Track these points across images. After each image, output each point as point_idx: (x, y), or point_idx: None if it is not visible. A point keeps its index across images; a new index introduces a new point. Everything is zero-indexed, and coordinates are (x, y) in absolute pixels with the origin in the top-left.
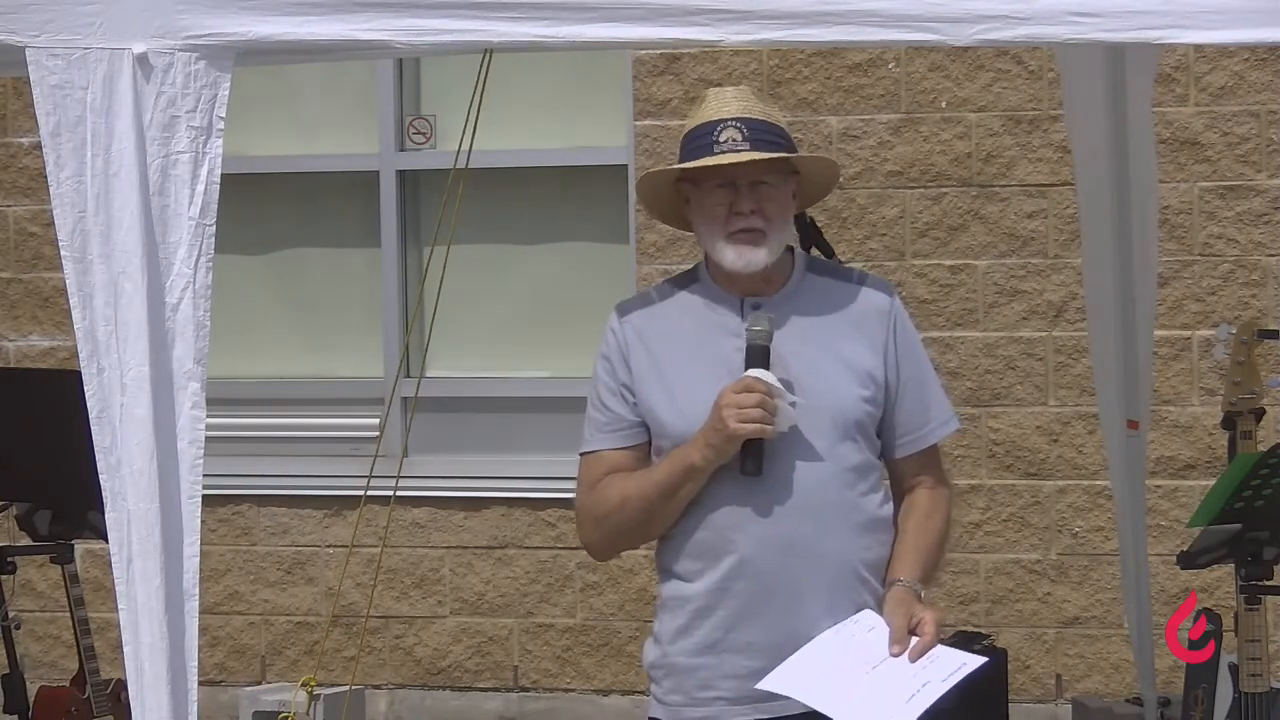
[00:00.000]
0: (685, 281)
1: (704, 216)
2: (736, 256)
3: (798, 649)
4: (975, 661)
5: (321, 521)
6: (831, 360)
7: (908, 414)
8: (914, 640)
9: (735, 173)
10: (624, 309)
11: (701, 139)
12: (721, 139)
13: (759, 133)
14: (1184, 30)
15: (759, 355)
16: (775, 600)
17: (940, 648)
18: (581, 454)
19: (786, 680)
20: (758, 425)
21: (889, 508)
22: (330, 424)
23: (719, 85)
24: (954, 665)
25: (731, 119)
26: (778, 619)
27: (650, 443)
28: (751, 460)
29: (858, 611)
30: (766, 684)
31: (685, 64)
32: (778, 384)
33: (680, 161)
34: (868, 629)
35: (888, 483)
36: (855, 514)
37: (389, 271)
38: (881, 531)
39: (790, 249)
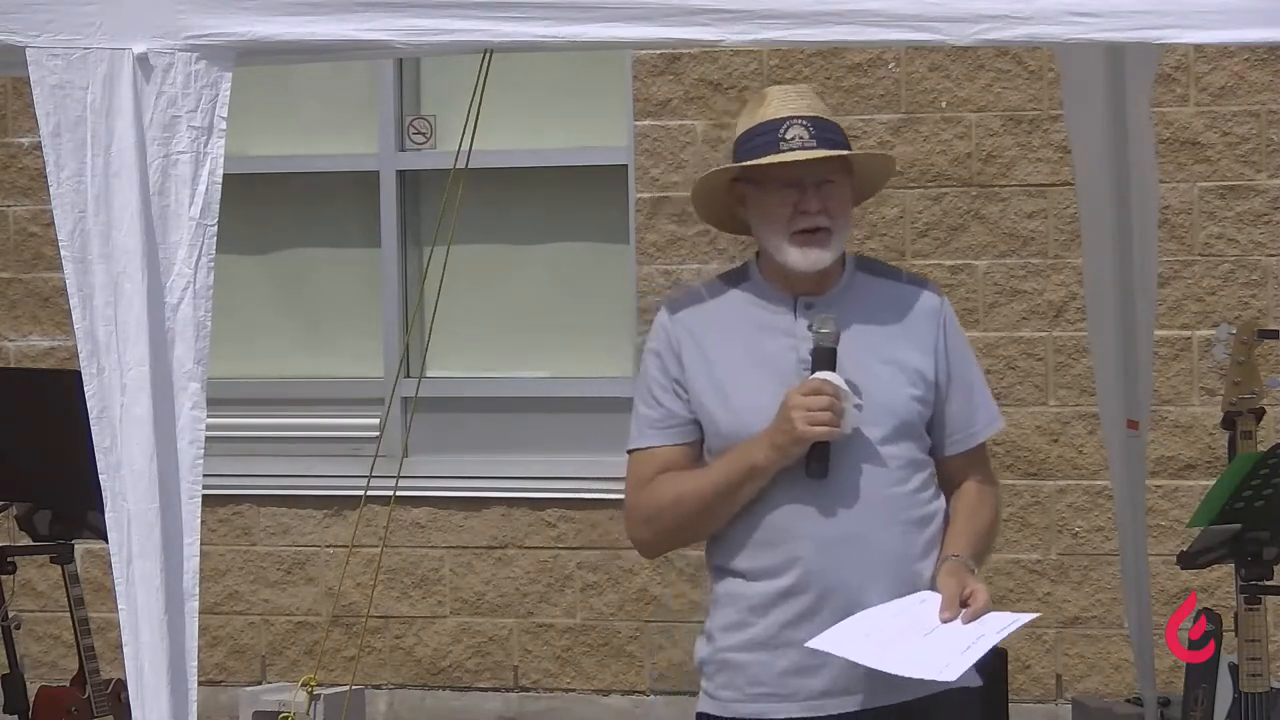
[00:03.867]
0: (736, 279)
1: (765, 216)
2: (801, 256)
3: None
4: (1027, 615)
5: (321, 521)
6: (883, 360)
7: (956, 414)
8: (965, 610)
9: (801, 171)
10: (674, 306)
11: (765, 136)
12: (789, 136)
13: (825, 131)
14: (1184, 30)
15: (826, 357)
16: (833, 599)
17: (993, 613)
18: (630, 451)
19: (836, 641)
20: (827, 428)
21: (941, 502)
22: (330, 424)
23: (778, 84)
24: (1006, 621)
25: (798, 116)
26: (834, 617)
27: (702, 441)
28: (817, 463)
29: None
30: (816, 643)
31: (685, 64)
32: (845, 386)
33: (738, 160)
34: (920, 600)
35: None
36: (910, 511)
37: (389, 272)
38: (934, 526)
39: None
